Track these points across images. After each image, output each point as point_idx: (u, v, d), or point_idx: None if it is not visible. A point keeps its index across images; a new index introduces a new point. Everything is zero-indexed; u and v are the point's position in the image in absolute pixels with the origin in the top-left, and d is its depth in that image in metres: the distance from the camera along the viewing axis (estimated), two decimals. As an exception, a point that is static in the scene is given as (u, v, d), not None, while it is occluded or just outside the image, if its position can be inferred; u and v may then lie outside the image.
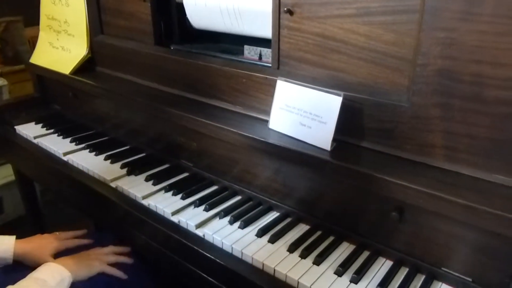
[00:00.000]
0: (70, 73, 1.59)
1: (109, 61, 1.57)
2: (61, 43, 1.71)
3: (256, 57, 1.22)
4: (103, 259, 1.13)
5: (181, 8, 1.35)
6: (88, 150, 1.44)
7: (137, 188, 1.20)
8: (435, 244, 0.87)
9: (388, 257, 0.94)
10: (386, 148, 0.94)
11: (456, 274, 0.85)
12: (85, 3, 1.56)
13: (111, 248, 1.18)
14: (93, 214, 1.40)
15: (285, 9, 1.02)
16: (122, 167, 1.31)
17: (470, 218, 0.78)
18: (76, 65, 1.59)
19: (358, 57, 0.96)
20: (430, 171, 0.87)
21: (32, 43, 2.51)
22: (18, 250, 1.14)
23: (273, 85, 1.07)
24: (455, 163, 0.86)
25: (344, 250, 0.97)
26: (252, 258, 0.93)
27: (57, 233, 1.24)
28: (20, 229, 1.55)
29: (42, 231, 1.95)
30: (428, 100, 0.85)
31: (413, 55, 0.87)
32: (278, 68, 1.11)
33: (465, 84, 0.80)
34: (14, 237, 1.16)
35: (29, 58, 1.82)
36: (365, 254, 0.95)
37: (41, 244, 1.17)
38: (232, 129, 1.09)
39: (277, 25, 1.06)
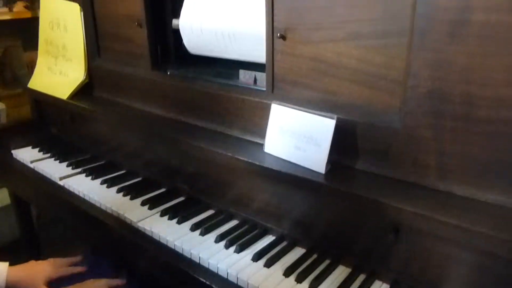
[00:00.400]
0: (67, 98, 1.60)
1: (106, 86, 1.59)
2: (59, 67, 1.73)
3: (251, 81, 1.23)
4: None
5: (177, 33, 1.37)
6: (84, 174, 1.44)
7: (133, 212, 1.19)
8: (432, 266, 0.86)
9: (384, 280, 0.93)
10: (380, 169, 0.94)
11: (454, 296, 0.84)
12: (82, 29, 1.59)
13: (105, 282, 1.16)
14: (88, 238, 1.39)
15: (278, 34, 1.04)
16: (118, 191, 1.31)
17: (465, 239, 0.78)
18: (73, 90, 1.61)
19: (351, 80, 0.97)
20: (424, 191, 0.87)
21: (31, 67, 2.54)
22: (11, 278, 1.12)
23: (267, 109, 1.08)
24: (448, 183, 0.86)
25: (340, 273, 0.96)
26: (248, 283, 0.92)
27: (52, 259, 1.23)
28: (15, 253, 1.53)
29: (37, 255, 1.93)
30: (420, 121, 0.86)
31: (403, 77, 0.88)
32: (272, 92, 1.12)
33: (456, 104, 0.81)
34: (7, 263, 1.14)
35: (28, 82, 1.83)
36: (362, 277, 0.94)
37: (34, 271, 1.15)
38: (227, 153, 1.09)
39: (271, 50, 1.08)
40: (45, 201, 1.52)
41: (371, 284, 0.92)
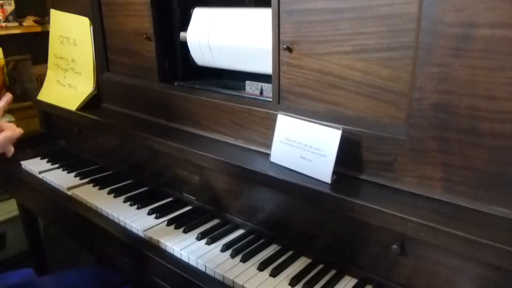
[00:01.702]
0: (76, 109, 1.62)
1: (115, 98, 1.61)
2: (68, 80, 1.76)
3: (257, 92, 1.25)
4: None
5: (185, 46, 1.39)
6: (92, 184, 1.46)
7: (140, 221, 1.20)
8: (438, 279, 0.86)
9: (391, 291, 0.93)
10: (385, 180, 0.95)
11: (461, 309, 0.84)
12: (92, 43, 1.62)
13: None
14: (95, 248, 1.40)
15: (285, 46, 1.06)
16: (125, 201, 1.32)
17: (470, 251, 0.77)
18: (82, 101, 1.63)
19: (356, 92, 0.98)
20: (429, 203, 0.87)
21: (40, 80, 2.58)
22: None
23: (273, 119, 1.09)
24: (454, 195, 0.86)
25: (346, 284, 0.96)
26: (254, 293, 0.92)
27: None
28: (22, 264, 1.54)
29: (45, 266, 1.94)
30: (425, 133, 0.87)
31: (409, 90, 0.89)
32: (278, 102, 1.13)
33: (461, 117, 0.82)
34: None
35: (37, 95, 1.86)
36: (368, 288, 0.95)
37: None
38: (233, 163, 1.10)
39: (277, 61, 1.10)
40: (52, 211, 1.53)
41: (377, 295, 0.92)
